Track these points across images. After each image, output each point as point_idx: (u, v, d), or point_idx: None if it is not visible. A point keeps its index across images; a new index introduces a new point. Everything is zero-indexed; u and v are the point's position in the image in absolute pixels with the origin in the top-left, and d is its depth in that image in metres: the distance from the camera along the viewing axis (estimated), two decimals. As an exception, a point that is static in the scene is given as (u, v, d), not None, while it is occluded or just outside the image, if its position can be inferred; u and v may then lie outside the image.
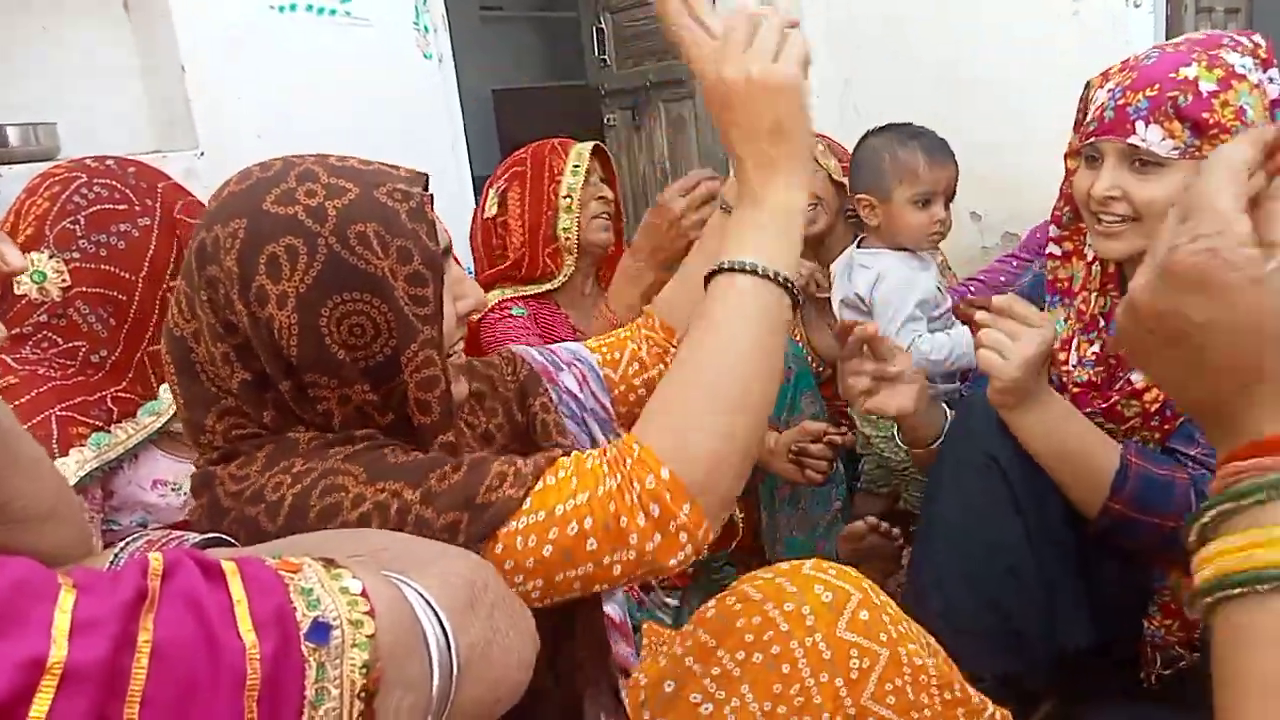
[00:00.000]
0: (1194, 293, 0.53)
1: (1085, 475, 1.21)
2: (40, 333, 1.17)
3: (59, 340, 1.17)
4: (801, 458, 1.61)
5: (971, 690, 0.99)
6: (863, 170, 1.78)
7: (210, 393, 0.79)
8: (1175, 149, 1.17)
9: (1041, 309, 1.43)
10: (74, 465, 1.13)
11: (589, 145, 1.84)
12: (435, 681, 0.50)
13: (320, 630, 0.43)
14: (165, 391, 1.24)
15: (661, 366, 1.08)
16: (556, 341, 1.17)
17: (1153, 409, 1.26)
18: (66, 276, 1.16)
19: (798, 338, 1.97)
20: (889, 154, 1.74)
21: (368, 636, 0.44)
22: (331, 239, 0.73)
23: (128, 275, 1.19)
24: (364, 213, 0.75)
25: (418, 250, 0.76)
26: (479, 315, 1.43)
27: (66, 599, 0.38)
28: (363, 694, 0.44)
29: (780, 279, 0.78)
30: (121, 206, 1.20)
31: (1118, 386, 1.28)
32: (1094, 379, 1.31)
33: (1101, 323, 1.34)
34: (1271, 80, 1.20)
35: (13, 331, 1.17)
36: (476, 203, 1.95)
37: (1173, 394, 0.62)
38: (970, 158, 1.93)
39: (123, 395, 1.21)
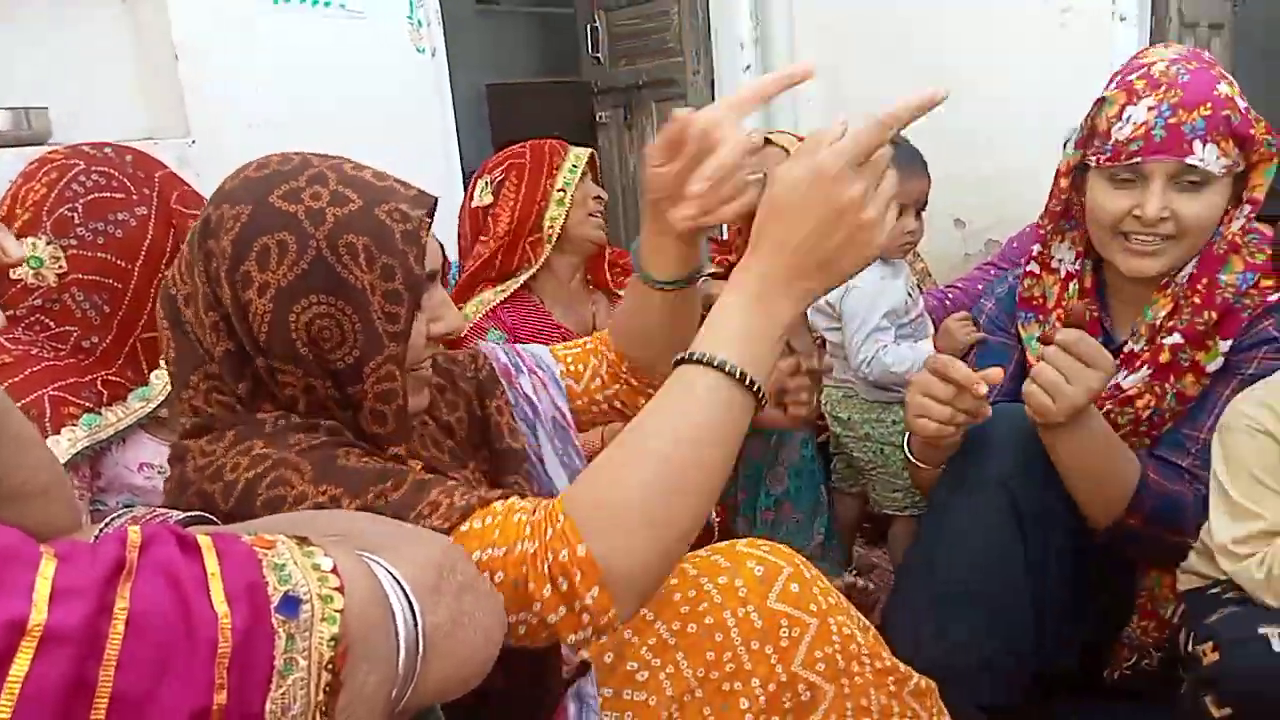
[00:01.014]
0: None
1: (1109, 491, 1.21)
2: (33, 316, 1.18)
3: (51, 324, 1.18)
4: (783, 397, 1.52)
5: (899, 662, 1.02)
6: None
7: (197, 353, 0.82)
8: (1224, 165, 1.19)
9: (1014, 320, 1.45)
10: (66, 444, 1.14)
11: (586, 151, 1.94)
12: (401, 657, 0.51)
13: (290, 604, 0.45)
14: (155, 378, 1.25)
15: (617, 386, 1.08)
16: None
17: (1144, 415, 1.27)
18: (63, 263, 1.17)
19: None
20: None
21: (336, 611, 0.46)
22: (322, 243, 0.77)
23: (124, 264, 1.20)
24: (359, 225, 0.78)
25: (401, 271, 0.79)
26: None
27: (48, 567, 0.39)
28: (330, 666, 0.45)
29: (755, 387, 0.73)
30: (119, 195, 1.20)
31: (1109, 394, 1.28)
32: None
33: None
34: None
35: (6, 313, 1.18)
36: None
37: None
38: (954, 165, 1.96)
39: (113, 379, 1.22)
